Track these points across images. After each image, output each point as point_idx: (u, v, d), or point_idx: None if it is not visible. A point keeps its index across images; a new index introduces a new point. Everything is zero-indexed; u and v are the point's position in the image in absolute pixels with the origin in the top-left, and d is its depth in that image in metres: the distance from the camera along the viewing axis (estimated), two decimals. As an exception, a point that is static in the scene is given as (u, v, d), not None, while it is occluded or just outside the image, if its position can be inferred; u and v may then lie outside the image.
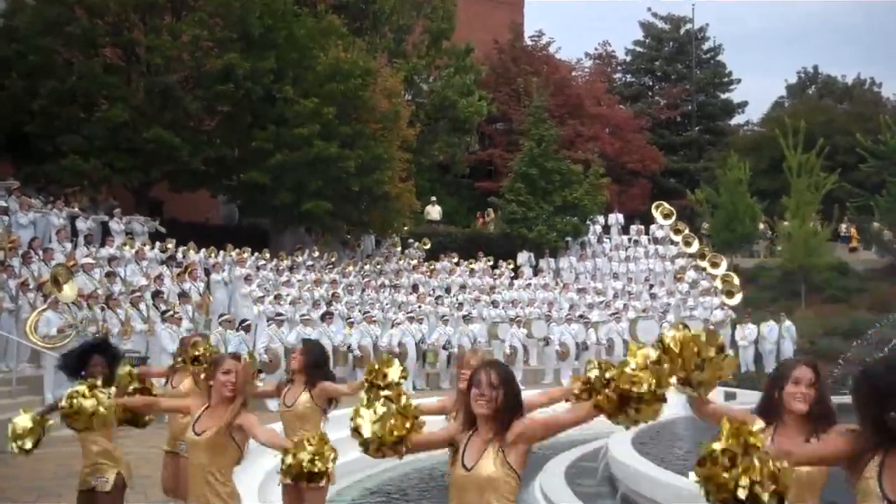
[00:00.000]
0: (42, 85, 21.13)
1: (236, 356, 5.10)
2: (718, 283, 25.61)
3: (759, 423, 3.58)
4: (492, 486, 3.60)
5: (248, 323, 16.54)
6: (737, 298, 24.61)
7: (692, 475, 2.91)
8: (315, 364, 6.34)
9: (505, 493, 3.62)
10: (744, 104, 47.39)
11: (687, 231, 29.24)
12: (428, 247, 27.35)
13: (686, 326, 3.78)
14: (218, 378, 4.79)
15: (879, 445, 2.97)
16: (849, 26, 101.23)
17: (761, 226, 30.58)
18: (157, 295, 16.13)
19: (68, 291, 13.77)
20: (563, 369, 20.39)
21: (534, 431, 3.66)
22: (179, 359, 6.90)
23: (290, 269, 21.89)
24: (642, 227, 30.72)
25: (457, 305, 21.81)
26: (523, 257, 27.69)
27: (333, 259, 24.01)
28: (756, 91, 75.15)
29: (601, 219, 30.84)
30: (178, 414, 6.50)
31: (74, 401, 4.99)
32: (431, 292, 22.97)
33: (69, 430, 5.33)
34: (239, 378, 4.79)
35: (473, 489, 3.63)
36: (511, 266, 26.60)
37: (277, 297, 18.88)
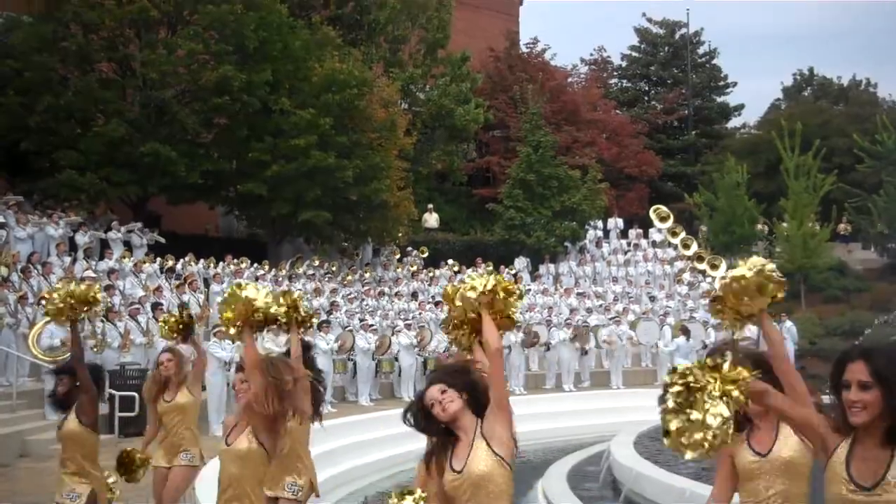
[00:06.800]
0: (38, 101, 21.14)
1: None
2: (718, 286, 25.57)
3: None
4: None
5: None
6: (737, 300, 24.53)
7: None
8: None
9: None
10: (740, 107, 47.40)
11: (684, 234, 29.25)
12: (426, 255, 27.33)
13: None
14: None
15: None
16: (843, 28, 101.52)
17: (760, 228, 30.57)
18: (156, 307, 16.10)
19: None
20: (564, 374, 20.36)
21: None
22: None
23: (290, 278, 21.87)
24: (641, 230, 30.74)
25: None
26: (521, 263, 27.68)
27: (334, 268, 23.95)
28: (752, 94, 75.27)
29: (600, 223, 30.87)
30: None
31: None
32: (431, 299, 22.95)
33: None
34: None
35: None
36: (512, 272, 26.57)
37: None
